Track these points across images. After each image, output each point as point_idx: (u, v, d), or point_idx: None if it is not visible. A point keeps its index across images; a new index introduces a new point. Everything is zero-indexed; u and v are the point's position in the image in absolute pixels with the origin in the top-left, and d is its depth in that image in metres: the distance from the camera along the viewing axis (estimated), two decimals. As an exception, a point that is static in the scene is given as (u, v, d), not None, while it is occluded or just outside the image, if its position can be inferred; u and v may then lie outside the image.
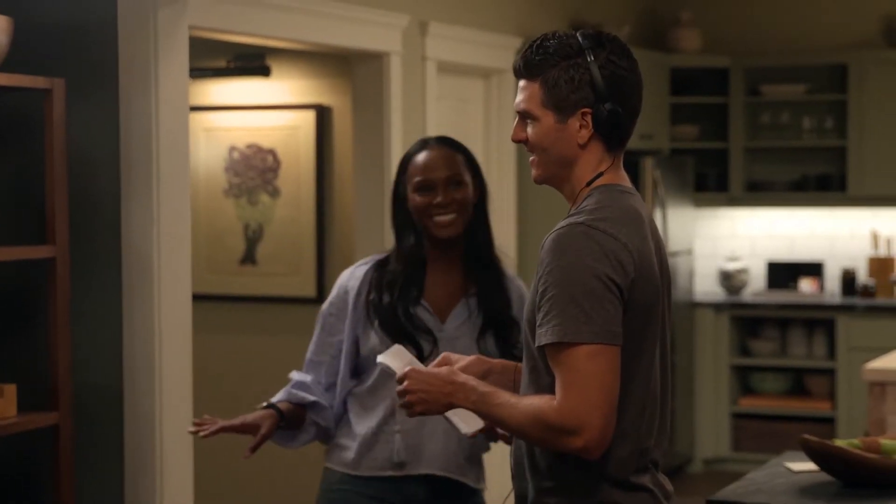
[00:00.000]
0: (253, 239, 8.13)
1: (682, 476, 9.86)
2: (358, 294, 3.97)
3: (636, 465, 3.07)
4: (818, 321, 9.93)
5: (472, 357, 3.41)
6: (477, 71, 8.51)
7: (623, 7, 10.07)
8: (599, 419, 2.87)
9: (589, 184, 3.08)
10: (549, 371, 2.98)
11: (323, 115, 7.99)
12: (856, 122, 9.89)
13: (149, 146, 5.03)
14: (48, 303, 4.87)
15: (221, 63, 8.06)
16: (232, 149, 8.18)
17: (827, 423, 9.56)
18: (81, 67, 5.03)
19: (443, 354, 3.41)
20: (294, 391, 3.93)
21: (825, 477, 4.19)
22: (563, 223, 3.01)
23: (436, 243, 3.96)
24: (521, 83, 3.11)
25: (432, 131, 7.73)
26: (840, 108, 10.01)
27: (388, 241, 7.11)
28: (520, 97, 3.12)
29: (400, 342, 3.67)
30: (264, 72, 8.08)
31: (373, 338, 3.89)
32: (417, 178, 3.94)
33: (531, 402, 2.99)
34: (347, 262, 7.25)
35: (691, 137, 10.32)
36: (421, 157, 3.98)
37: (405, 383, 3.12)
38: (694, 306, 10.11)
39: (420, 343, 3.83)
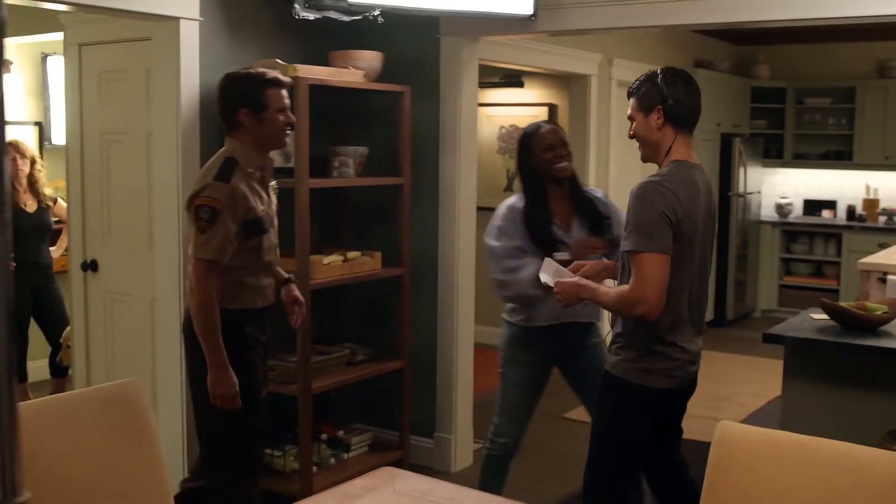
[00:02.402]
0: (511, 178, 8.10)
1: (748, 320, 9.61)
2: (514, 221, 3.79)
3: (675, 328, 3.08)
4: (832, 234, 9.49)
5: (593, 261, 3.50)
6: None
7: (725, 51, 9.73)
8: (654, 296, 2.92)
9: (667, 154, 3.07)
10: (628, 269, 3.02)
11: (552, 110, 7.90)
12: (859, 121, 9.40)
13: (455, 125, 5.01)
14: (399, 208, 4.93)
15: (497, 79, 8.02)
16: (501, 127, 8.16)
17: (834, 293, 9.20)
18: (420, 80, 5.03)
19: (575, 262, 3.50)
20: None
21: (833, 323, 4.05)
22: (646, 179, 3.02)
23: (556, 183, 3.77)
24: (629, 102, 3.15)
25: (615, 122, 7.61)
26: (850, 113, 9.50)
27: (589, 181, 7.13)
28: (629, 111, 3.16)
29: (548, 250, 3.64)
30: (520, 84, 8.02)
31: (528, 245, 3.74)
32: (544, 144, 3.75)
33: (618, 289, 3.07)
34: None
35: (762, 127, 9.92)
36: (542, 132, 3.78)
37: (556, 289, 3.26)
38: (759, 223, 9.80)
39: (560, 249, 3.67)
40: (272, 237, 3.48)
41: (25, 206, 5.81)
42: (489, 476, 3.99)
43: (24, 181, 5.81)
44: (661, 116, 3.06)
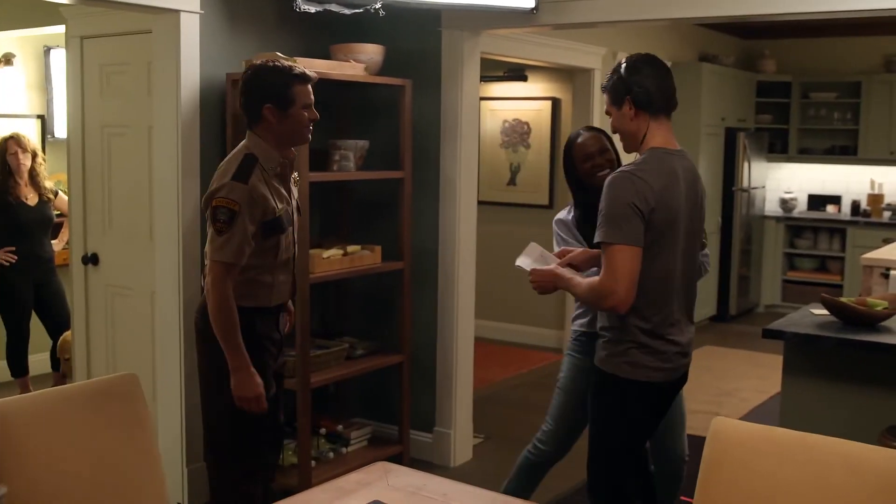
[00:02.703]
0: (514, 171, 8.09)
1: (751, 315, 9.60)
2: (567, 227, 3.71)
3: (661, 319, 3.03)
4: (836, 229, 9.48)
5: (581, 249, 3.45)
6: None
7: (731, 45, 9.70)
8: (623, 288, 2.88)
9: (642, 142, 3.04)
10: None
11: (556, 104, 7.88)
12: (864, 116, 9.37)
13: (456, 119, 4.99)
14: (400, 202, 4.91)
15: (500, 73, 8.01)
16: (504, 121, 8.14)
17: (838, 288, 9.21)
18: (421, 74, 5.02)
19: (562, 248, 3.50)
20: None
21: (833, 318, 4.04)
22: (620, 169, 3.00)
23: (600, 190, 3.68)
24: (604, 98, 3.14)
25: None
26: (855, 107, 9.47)
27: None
28: (605, 107, 3.15)
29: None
30: (524, 78, 8.00)
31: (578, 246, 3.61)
32: (583, 153, 3.61)
33: (589, 280, 3.04)
34: (567, 187, 7.47)
35: (767, 122, 9.89)
36: (580, 140, 3.64)
37: (532, 277, 3.25)
38: (764, 218, 9.78)
39: None
40: (290, 234, 3.41)
41: (27, 199, 5.81)
42: (522, 480, 3.84)
43: (26, 175, 5.82)
44: (632, 106, 3.01)
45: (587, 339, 3.66)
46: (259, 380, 3.27)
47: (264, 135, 3.30)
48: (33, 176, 5.85)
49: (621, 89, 3.02)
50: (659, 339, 3.02)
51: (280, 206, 3.31)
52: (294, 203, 3.47)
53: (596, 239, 2.95)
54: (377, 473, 2.57)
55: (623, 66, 3.04)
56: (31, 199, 5.84)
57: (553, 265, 3.28)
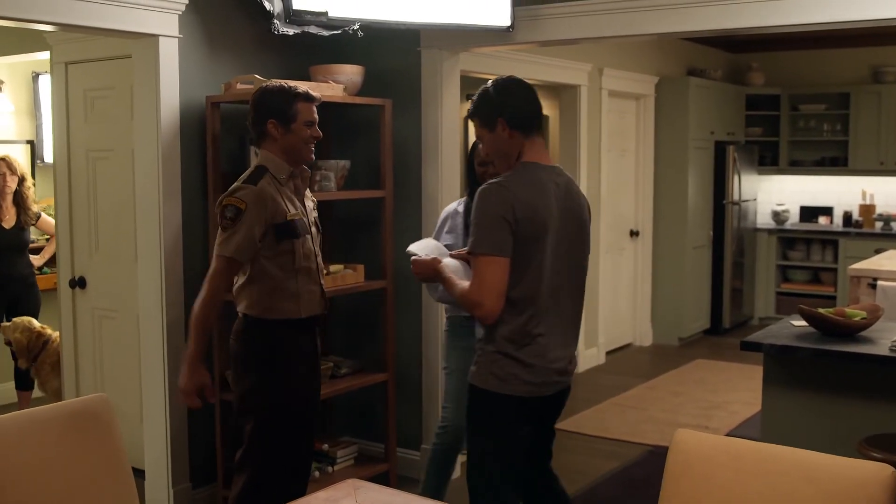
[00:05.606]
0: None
1: (746, 327, 9.60)
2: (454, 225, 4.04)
3: (528, 333, 3.01)
4: (829, 241, 9.49)
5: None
6: (631, 95, 8.33)
7: (719, 58, 9.73)
8: (489, 299, 2.92)
9: (517, 160, 3.07)
10: None
11: (543, 121, 7.91)
12: (853, 127, 9.41)
13: (437, 137, 5.01)
14: (381, 221, 4.93)
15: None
16: (493, 139, 8.18)
17: (832, 299, 9.20)
18: (401, 93, 5.05)
19: (460, 250, 3.41)
20: None
21: (812, 329, 4.06)
22: (490, 181, 3.02)
23: None
24: (474, 123, 3.17)
25: (605, 133, 7.65)
26: (845, 119, 9.50)
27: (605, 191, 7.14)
28: (476, 132, 3.19)
29: None
30: (511, 96, 8.04)
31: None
32: (478, 159, 3.88)
33: (463, 286, 3.04)
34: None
35: (757, 134, 9.92)
36: (479, 146, 3.67)
37: (413, 264, 3.31)
38: (756, 231, 9.79)
39: None
40: (308, 243, 3.57)
41: (2, 221, 5.82)
42: (432, 472, 4.07)
43: (9, 198, 5.83)
44: (506, 127, 3.04)
45: (460, 322, 4.00)
46: (200, 377, 3.40)
47: (271, 148, 3.50)
48: (18, 201, 5.87)
49: (493, 111, 3.05)
50: (525, 350, 3.00)
51: (293, 211, 3.48)
52: (311, 218, 3.64)
53: (467, 249, 3.03)
54: (345, 490, 2.59)
55: (491, 89, 3.09)
56: (7, 221, 5.84)
57: (433, 258, 3.29)
